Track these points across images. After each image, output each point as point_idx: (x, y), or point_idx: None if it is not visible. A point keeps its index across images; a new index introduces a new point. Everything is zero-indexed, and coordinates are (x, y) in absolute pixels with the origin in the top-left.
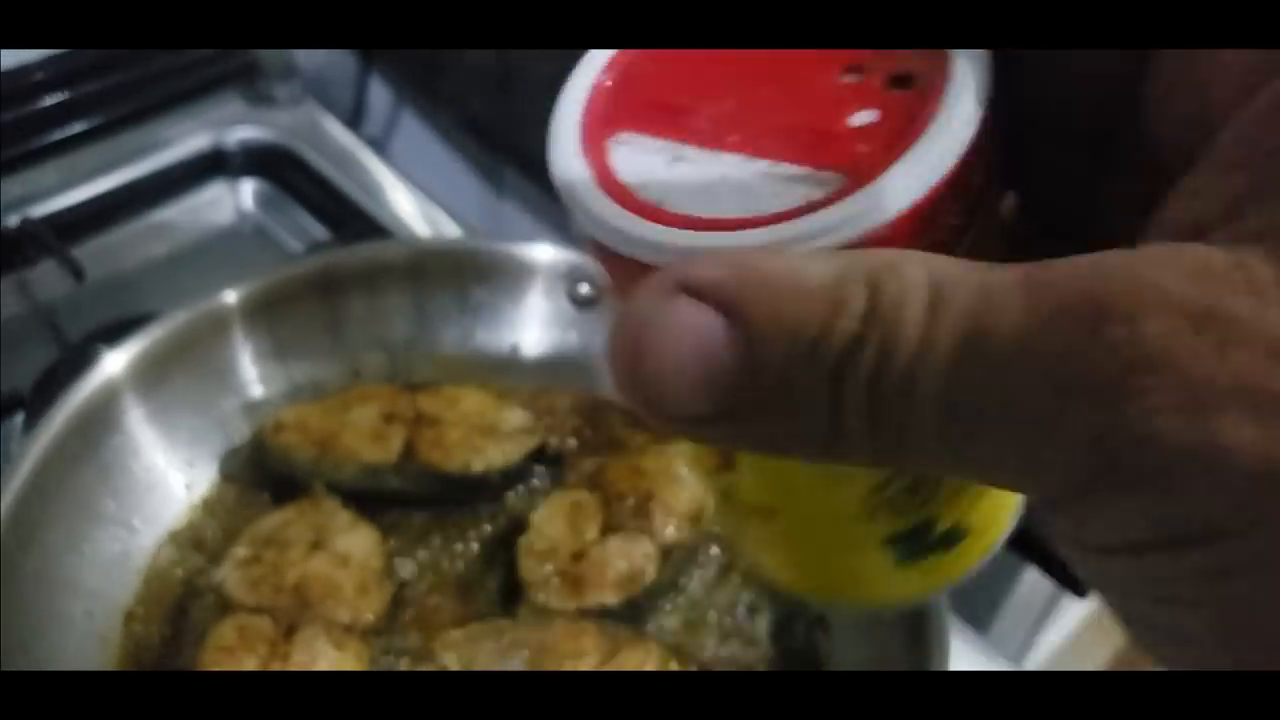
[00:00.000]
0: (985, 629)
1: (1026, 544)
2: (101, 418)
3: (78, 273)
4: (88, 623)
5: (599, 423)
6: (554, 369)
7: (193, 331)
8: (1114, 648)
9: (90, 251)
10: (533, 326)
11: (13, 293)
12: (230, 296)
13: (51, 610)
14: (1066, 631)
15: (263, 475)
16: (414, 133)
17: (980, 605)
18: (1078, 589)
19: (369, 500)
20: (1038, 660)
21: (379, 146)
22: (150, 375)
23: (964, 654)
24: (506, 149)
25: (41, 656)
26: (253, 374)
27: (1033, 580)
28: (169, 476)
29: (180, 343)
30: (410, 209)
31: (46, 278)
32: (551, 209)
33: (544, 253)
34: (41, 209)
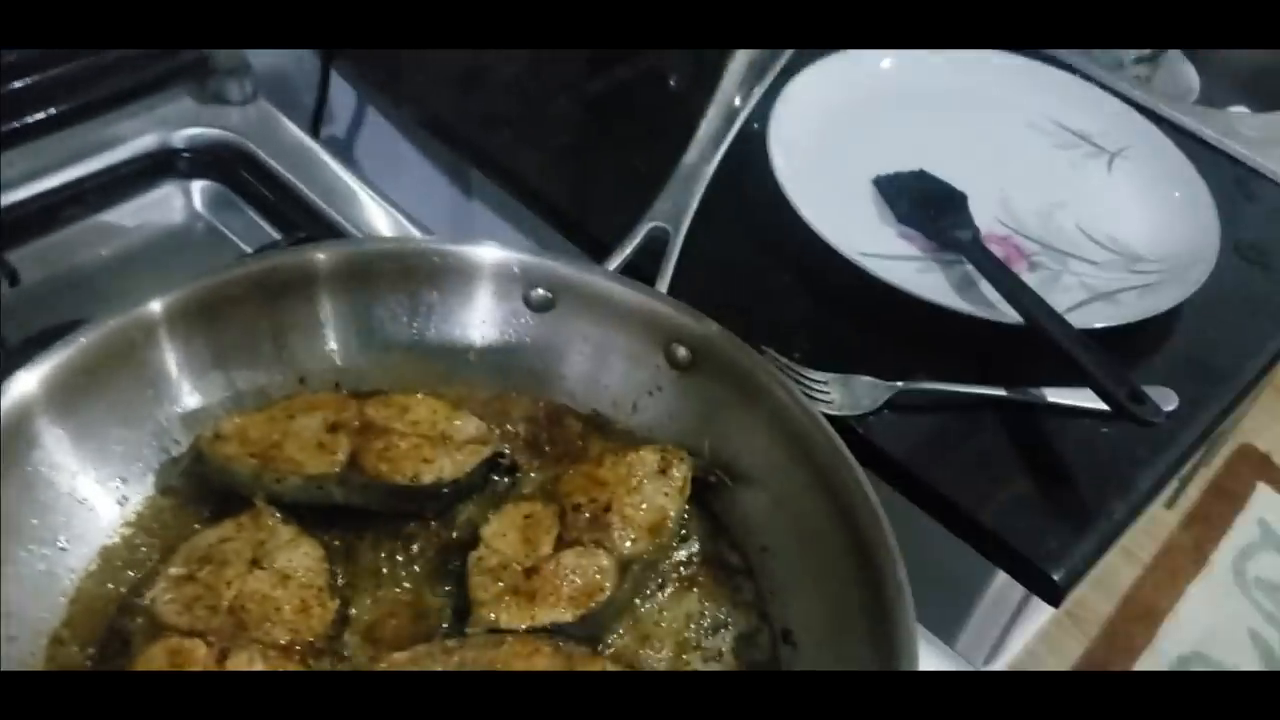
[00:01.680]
0: (953, 638)
1: (996, 548)
2: (18, 435)
3: (12, 276)
4: (10, 648)
5: (556, 431)
6: (509, 374)
7: (118, 340)
8: (1084, 648)
9: (32, 254)
10: (487, 330)
11: None
12: (156, 303)
13: None
14: (1033, 634)
15: (203, 488)
16: (378, 134)
17: (948, 613)
18: (1051, 595)
19: (313, 514)
20: (1006, 665)
21: (342, 148)
22: (70, 389)
23: (932, 665)
24: (472, 150)
25: None
26: (190, 382)
27: (1001, 586)
28: (99, 491)
29: (106, 352)
30: (371, 211)
31: None
32: (520, 211)
33: (496, 254)
34: None
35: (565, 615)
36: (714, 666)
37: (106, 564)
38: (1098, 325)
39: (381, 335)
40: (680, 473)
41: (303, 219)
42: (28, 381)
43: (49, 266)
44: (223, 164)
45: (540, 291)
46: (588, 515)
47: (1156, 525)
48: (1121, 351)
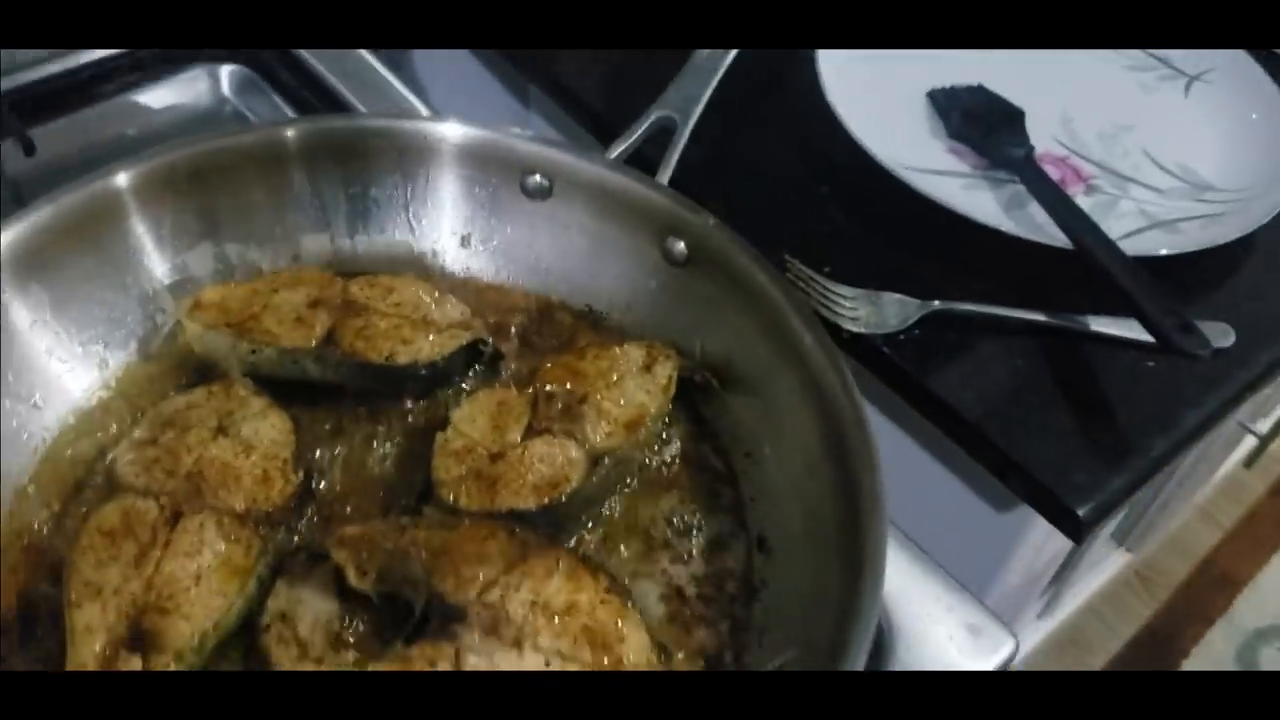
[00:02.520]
0: (989, 584)
1: (1018, 478)
2: (27, 267)
3: (28, 147)
4: None
5: (547, 324)
6: (504, 265)
7: (91, 206)
8: (1151, 612)
9: (57, 129)
10: (483, 217)
11: None
12: (131, 170)
13: None
14: (1098, 593)
15: (184, 359)
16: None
17: (985, 559)
18: (1074, 531)
19: (290, 390)
20: (1062, 621)
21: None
22: (41, 253)
23: (906, 573)
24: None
25: None
26: (178, 253)
27: (1044, 532)
28: (79, 354)
29: (80, 217)
30: (399, 100)
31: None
32: (547, 105)
33: (492, 137)
34: (7, 83)
35: (527, 502)
36: (679, 568)
37: (80, 425)
38: (1154, 253)
39: (377, 217)
40: (665, 371)
41: (329, 108)
42: (44, 211)
43: (72, 143)
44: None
45: (537, 178)
46: (561, 405)
47: (1241, 490)
48: (1178, 283)
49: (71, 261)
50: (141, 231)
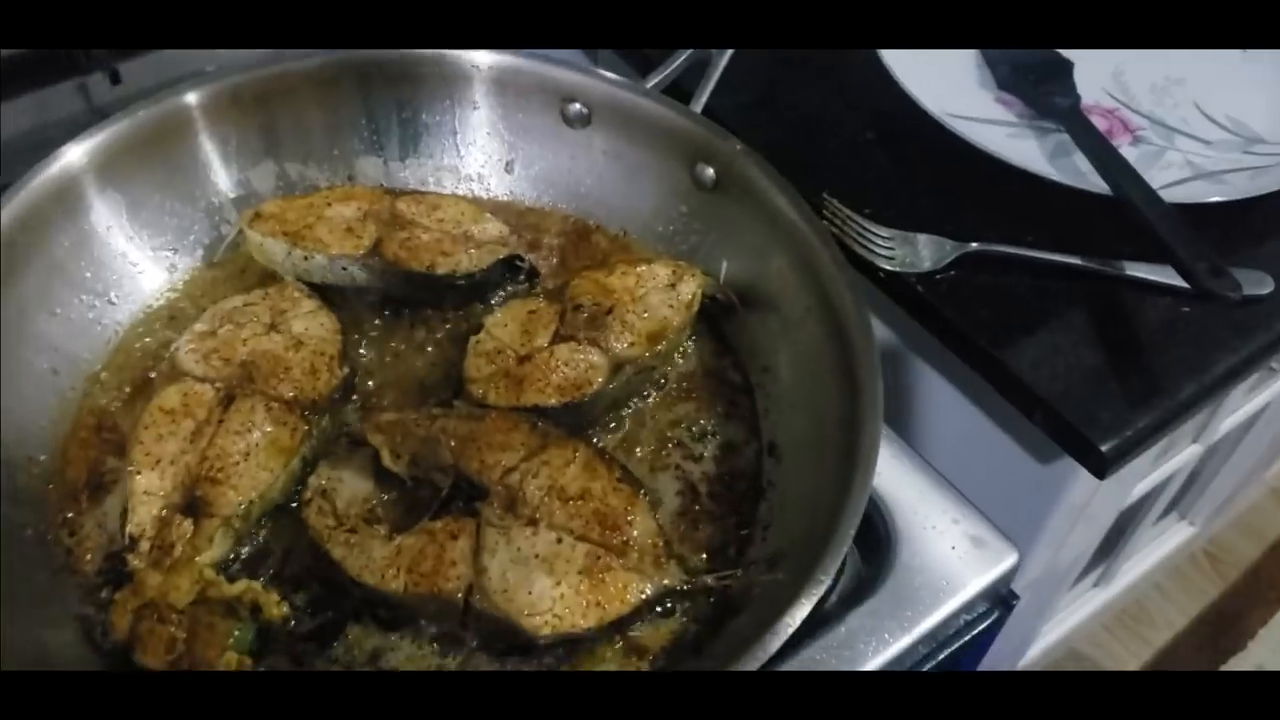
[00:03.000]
0: (1033, 538)
1: (1045, 414)
2: (68, 196)
3: (114, 75)
4: (53, 379)
5: (583, 245)
6: (546, 189)
7: (164, 121)
8: (1219, 591)
9: (142, 64)
10: (526, 144)
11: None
12: (202, 89)
13: (17, 357)
14: (1163, 569)
15: (246, 266)
16: None
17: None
18: (1097, 466)
19: (340, 297)
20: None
21: None
22: (119, 161)
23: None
24: None
25: None
26: (243, 169)
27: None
28: (151, 258)
29: (153, 130)
30: None
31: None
32: None
33: (535, 66)
34: None
35: (550, 400)
36: (690, 466)
37: (148, 321)
38: (1197, 200)
39: (426, 142)
40: (689, 289)
41: None
42: (75, 152)
43: (156, 76)
44: None
45: (577, 106)
46: (587, 315)
47: None
48: (1219, 232)
49: (145, 172)
50: (209, 148)
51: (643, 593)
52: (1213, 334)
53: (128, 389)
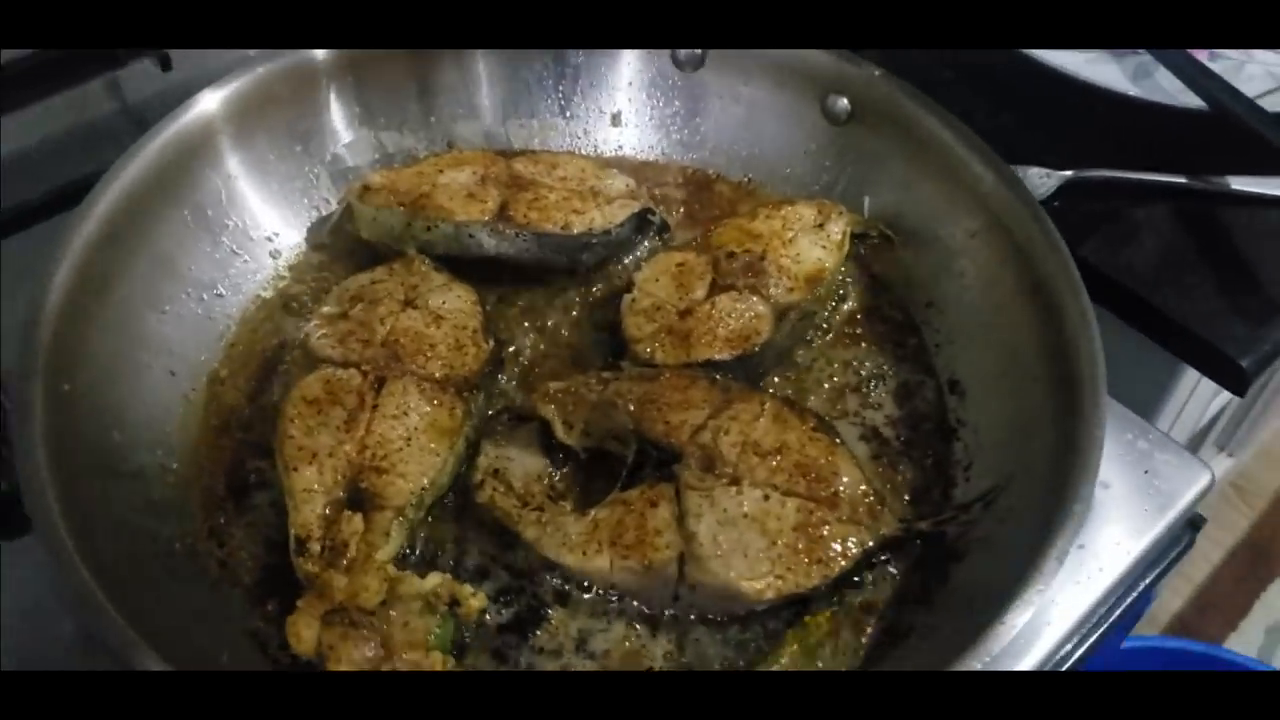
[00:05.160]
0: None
1: (1178, 338)
2: (203, 148)
3: (164, 61)
4: (172, 381)
5: (707, 196)
6: (659, 140)
7: (289, 76)
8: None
9: (197, 55)
10: (634, 93)
11: (106, 90)
12: (319, 50)
13: (133, 361)
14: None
15: (352, 245)
16: None
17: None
18: (1237, 384)
19: (465, 267)
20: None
21: None
22: (248, 114)
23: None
24: None
25: (116, 402)
26: (338, 139)
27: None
28: (253, 245)
29: (278, 84)
30: None
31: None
32: None
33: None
34: None
35: (722, 353)
36: (870, 413)
37: (261, 312)
38: None
39: (527, 100)
40: (838, 227)
41: None
42: (211, 99)
43: (205, 68)
44: None
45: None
46: (741, 263)
47: None
48: None
49: (262, 131)
50: (319, 110)
51: (865, 545)
52: None
53: (253, 383)
